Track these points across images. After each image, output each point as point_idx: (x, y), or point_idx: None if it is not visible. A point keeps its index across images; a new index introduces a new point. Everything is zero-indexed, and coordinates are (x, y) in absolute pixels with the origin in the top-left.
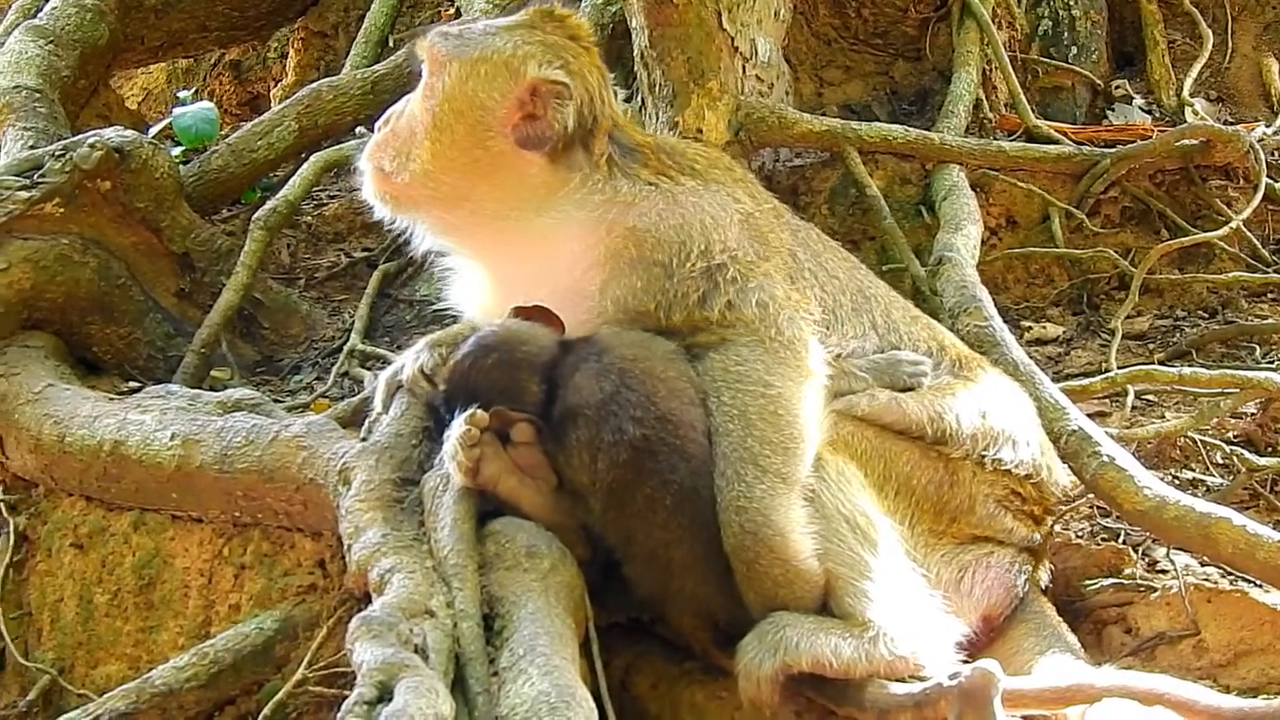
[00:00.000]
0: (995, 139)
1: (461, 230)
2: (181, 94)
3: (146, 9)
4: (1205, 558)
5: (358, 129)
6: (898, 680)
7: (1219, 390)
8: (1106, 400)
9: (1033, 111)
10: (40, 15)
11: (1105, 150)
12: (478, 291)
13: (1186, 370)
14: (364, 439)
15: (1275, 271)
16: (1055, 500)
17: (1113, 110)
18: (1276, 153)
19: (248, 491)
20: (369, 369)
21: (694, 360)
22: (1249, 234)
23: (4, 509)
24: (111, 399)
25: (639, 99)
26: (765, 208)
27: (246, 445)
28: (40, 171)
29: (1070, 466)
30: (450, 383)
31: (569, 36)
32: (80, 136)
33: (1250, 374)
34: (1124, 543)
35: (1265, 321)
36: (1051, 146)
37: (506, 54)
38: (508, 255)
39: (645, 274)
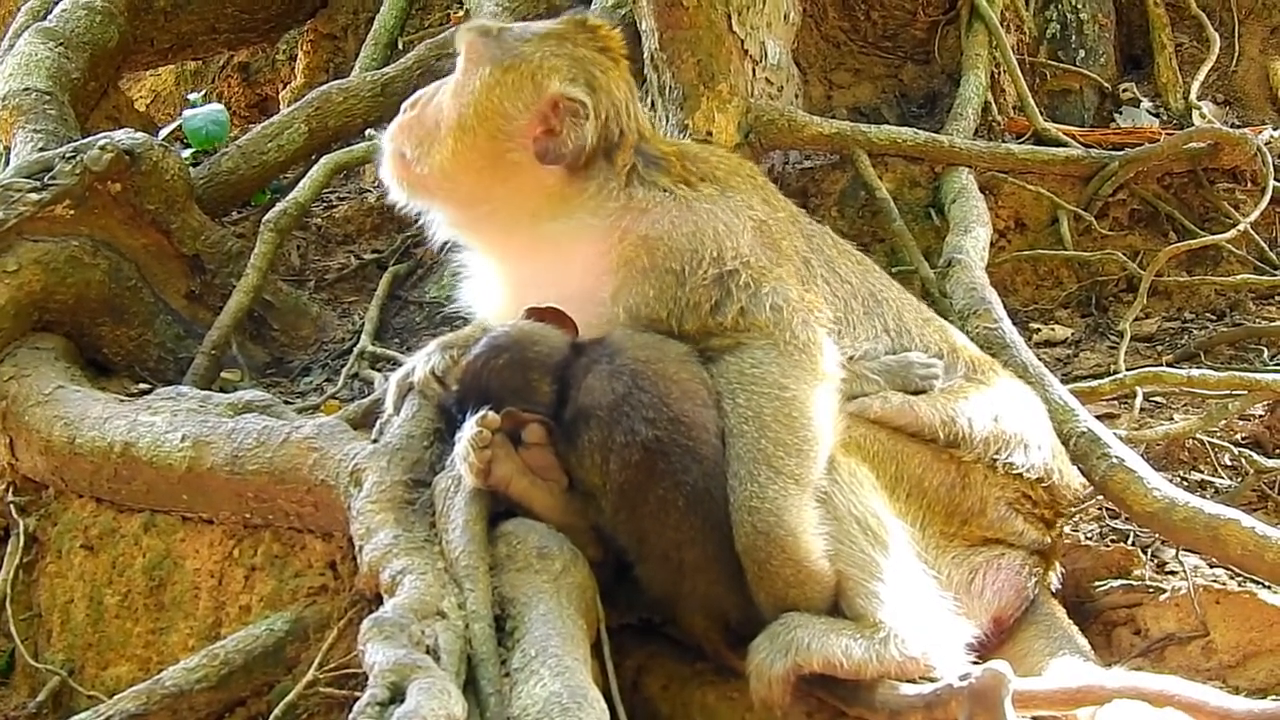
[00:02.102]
0: (1004, 141)
1: (475, 228)
2: (191, 96)
3: (156, 11)
4: (1214, 559)
5: (367, 131)
6: (908, 681)
7: (1227, 392)
8: (1115, 402)
9: (1041, 114)
10: (50, 17)
11: (1113, 153)
12: (490, 292)
13: (1195, 372)
14: (375, 440)
15: None
16: (1066, 504)
17: (1120, 113)
18: None
19: (258, 493)
20: (379, 371)
21: (708, 363)
22: (1257, 236)
23: (14, 510)
24: (122, 401)
25: (649, 101)
26: (780, 215)
27: (257, 447)
28: (50, 173)
29: (1080, 468)
30: (462, 383)
31: (599, 49)
32: (90, 139)
33: (1258, 376)
34: (1133, 544)
35: (1273, 323)
36: (1060, 149)
37: (533, 65)
38: (521, 257)
39: (658, 282)
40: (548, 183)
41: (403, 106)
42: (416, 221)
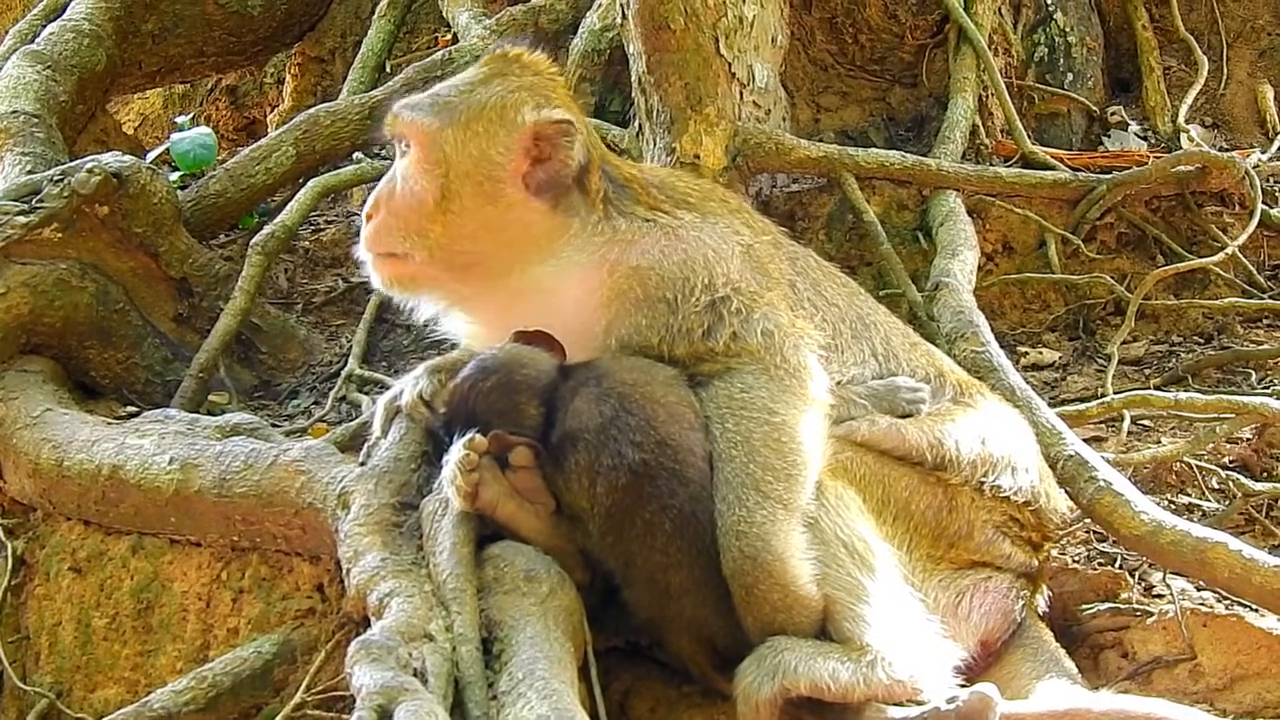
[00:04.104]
0: (992, 165)
1: (469, 298)
2: (179, 119)
3: (144, 35)
4: (1201, 582)
5: (355, 154)
6: (896, 704)
7: (1215, 415)
8: (1103, 425)
9: (1029, 137)
10: (38, 40)
11: (1101, 176)
12: (479, 335)
13: (1182, 395)
14: (363, 463)
15: (1270, 297)
16: (1053, 527)
17: (1109, 136)
18: (1271, 179)
19: (246, 516)
20: (367, 394)
21: (697, 387)
22: (1244, 260)
23: (2, 533)
24: (110, 423)
25: (636, 124)
26: (764, 239)
27: (245, 470)
28: (38, 196)
29: (1067, 491)
30: (450, 406)
31: (535, 74)
32: (78, 161)
33: (1246, 399)
34: (1120, 567)
35: (1260, 347)
36: (1048, 172)
37: (498, 106)
38: (514, 312)
39: (650, 312)
40: (535, 221)
41: (363, 216)
42: None
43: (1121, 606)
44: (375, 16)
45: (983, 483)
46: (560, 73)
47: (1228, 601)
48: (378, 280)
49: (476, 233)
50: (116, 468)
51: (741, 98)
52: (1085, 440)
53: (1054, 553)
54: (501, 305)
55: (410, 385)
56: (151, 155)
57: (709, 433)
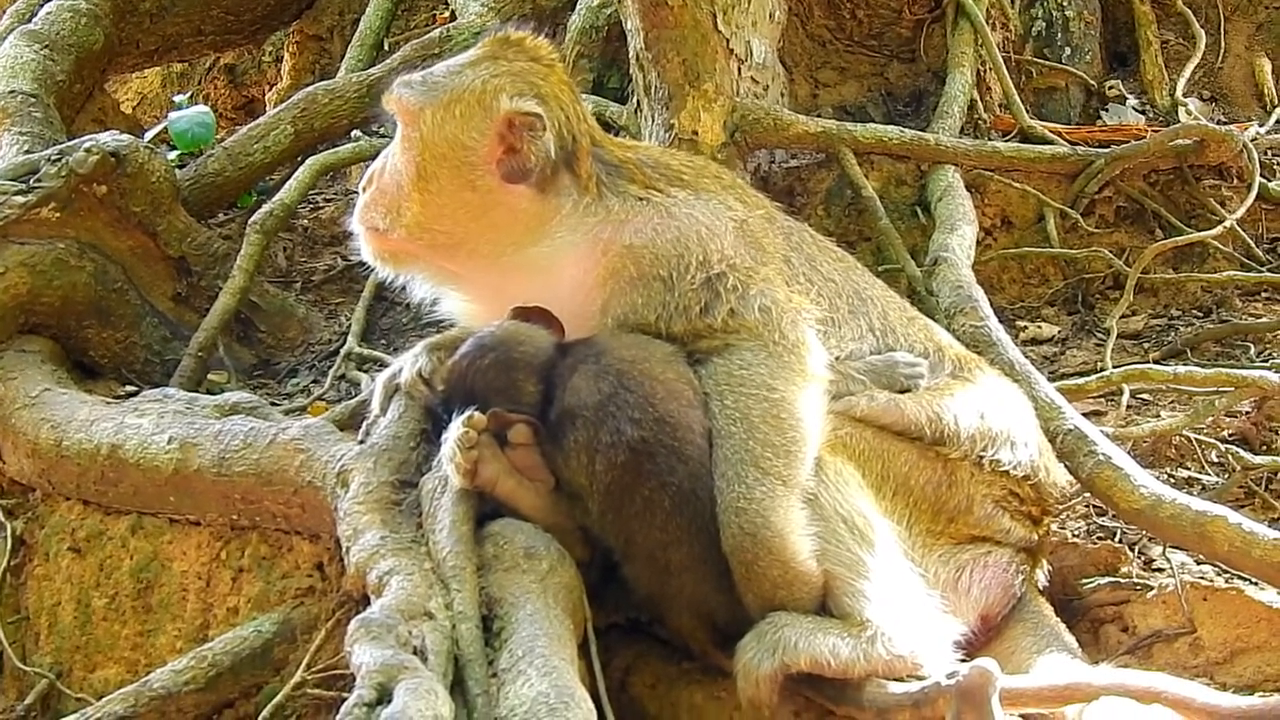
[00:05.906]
0: (990, 139)
1: (461, 276)
2: (177, 98)
3: (141, 13)
4: (1201, 556)
5: (353, 132)
6: (896, 679)
7: (1214, 389)
8: (1102, 399)
9: (1027, 112)
10: (35, 20)
11: (1099, 150)
12: (476, 316)
13: (1181, 369)
14: (362, 441)
15: (1269, 270)
16: (1053, 501)
17: (1106, 110)
18: (1269, 152)
19: (245, 494)
20: (366, 372)
21: (695, 364)
22: (1243, 233)
23: (1, 513)
24: (109, 403)
25: (634, 101)
26: (758, 214)
27: (244, 448)
28: (36, 176)
29: (1066, 465)
30: (448, 384)
31: (531, 59)
32: (76, 141)
33: (1244, 372)
34: (1120, 541)
35: (1259, 320)
36: (1046, 147)
37: (477, 91)
38: (508, 292)
39: (645, 290)
40: (520, 206)
41: (359, 188)
42: None
43: (1121, 581)
44: None
45: (982, 457)
46: (560, 59)
47: (1228, 575)
48: (365, 254)
49: (455, 214)
50: (115, 447)
51: (739, 74)
52: (1084, 414)
53: (1054, 527)
54: (496, 285)
55: (409, 363)
56: (150, 134)
57: (708, 409)
